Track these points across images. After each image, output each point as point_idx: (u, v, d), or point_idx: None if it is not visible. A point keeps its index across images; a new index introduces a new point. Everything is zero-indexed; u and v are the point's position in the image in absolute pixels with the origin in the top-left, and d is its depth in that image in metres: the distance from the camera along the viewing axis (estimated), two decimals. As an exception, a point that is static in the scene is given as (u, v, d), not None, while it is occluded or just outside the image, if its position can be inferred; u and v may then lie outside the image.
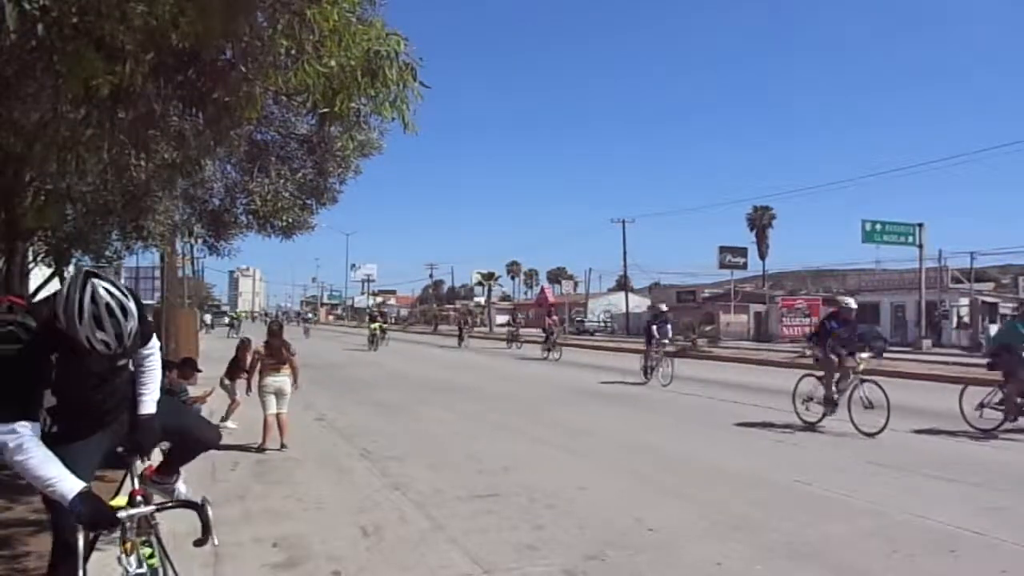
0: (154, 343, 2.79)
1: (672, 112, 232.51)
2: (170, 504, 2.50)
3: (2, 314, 2.40)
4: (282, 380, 7.98)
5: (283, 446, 7.70)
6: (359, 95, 3.79)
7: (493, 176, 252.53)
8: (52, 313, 2.29)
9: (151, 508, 2.47)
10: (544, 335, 24.96)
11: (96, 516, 2.26)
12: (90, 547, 2.72)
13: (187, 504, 2.46)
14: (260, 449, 7.64)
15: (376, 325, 29.78)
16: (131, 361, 2.70)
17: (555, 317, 26.98)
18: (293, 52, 3.55)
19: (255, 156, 8.17)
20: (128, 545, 2.39)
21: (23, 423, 2.24)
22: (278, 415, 7.88)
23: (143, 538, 2.46)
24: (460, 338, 33.42)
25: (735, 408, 11.55)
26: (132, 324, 2.27)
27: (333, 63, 3.57)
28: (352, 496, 5.84)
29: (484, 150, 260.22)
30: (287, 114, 7.44)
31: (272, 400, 7.89)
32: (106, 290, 2.23)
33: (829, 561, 4.29)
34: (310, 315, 63.64)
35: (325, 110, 3.84)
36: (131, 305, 2.28)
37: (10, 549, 4.12)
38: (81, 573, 2.33)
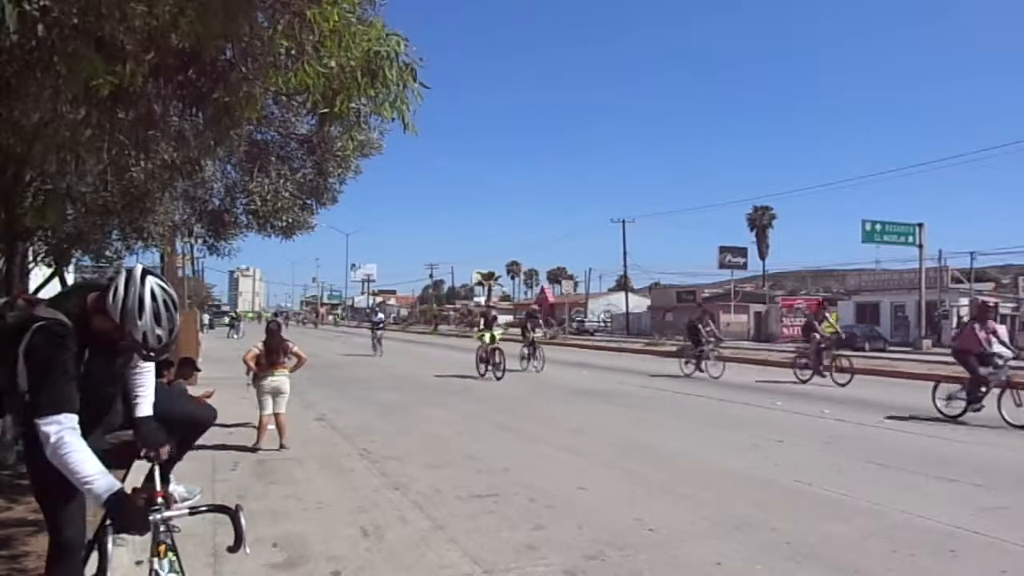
0: None
1: (673, 112, 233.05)
2: (203, 508, 2.44)
3: (18, 309, 2.50)
4: (279, 380, 7.97)
5: (282, 446, 7.70)
6: (359, 95, 3.78)
7: (493, 176, 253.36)
8: (89, 309, 2.38)
9: (184, 511, 2.42)
10: (814, 350, 15.13)
11: (129, 518, 2.22)
12: (90, 549, 2.71)
13: (220, 508, 2.40)
14: (254, 449, 7.63)
15: (491, 335, 16.51)
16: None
17: (830, 314, 16.74)
18: (293, 52, 3.54)
19: (255, 156, 8.18)
20: (162, 548, 2.35)
21: (66, 415, 2.26)
22: (276, 416, 7.87)
23: (169, 541, 2.44)
24: (698, 360, 17.09)
25: (735, 408, 11.56)
26: (179, 317, 2.41)
27: (333, 63, 3.57)
28: (352, 496, 5.84)
29: (484, 150, 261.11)
30: (287, 114, 7.45)
31: (268, 400, 7.88)
32: (160, 287, 2.36)
33: (829, 561, 4.29)
34: (380, 315, 30.57)
35: (325, 110, 3.84)
36: (176, 300, 2.41)
37: (10, 549, 4.12)
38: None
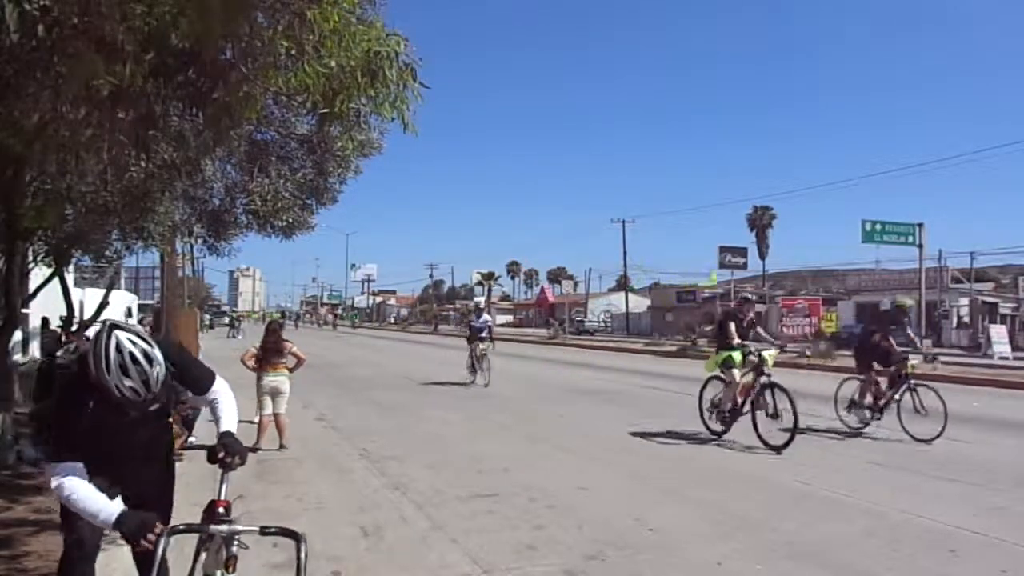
0: (217, 385, 2.87)
1: (672, 112, 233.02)
2: (273, 530, 2.39)
3: (68, 354, 2.65)
4: (278, 380, 7.96)
5: (282, 446, 7.70)
6: (359, 95, 3.78)
7: (493, 176, 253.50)
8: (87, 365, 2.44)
9: (254, 529, 2.39)
10: None
11: (136, 528, 2.30)
12: (95, 549, 2.74)
13: (287, 533, 2.33)
14: (254, 449, 7.62)
15: (762, 354, 8.20)
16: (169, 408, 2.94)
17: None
18: (293, 52, 3.54)
19: (255, 156, 8.17)
20: (231, 562, 2.32)
21: (64, 464, 2.39)
22: (276, 416, 7.87)
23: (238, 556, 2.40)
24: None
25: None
26: (158, 369, 2.41)
27: (333, 63, 3.57)
28: (352, 496, 5.84)
29: (484, 150, 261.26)
30: (287, 114, 7.43)
31: (268, 400, 7.88)
32: (129, 340, 2.38)
33: (829, 561, 4.29)
34: (486, 316, 15.65)
35: (325, 110, 3.84)
36: (156, 352, 2.41)
37: (10, 549, 4.12)
38: None
